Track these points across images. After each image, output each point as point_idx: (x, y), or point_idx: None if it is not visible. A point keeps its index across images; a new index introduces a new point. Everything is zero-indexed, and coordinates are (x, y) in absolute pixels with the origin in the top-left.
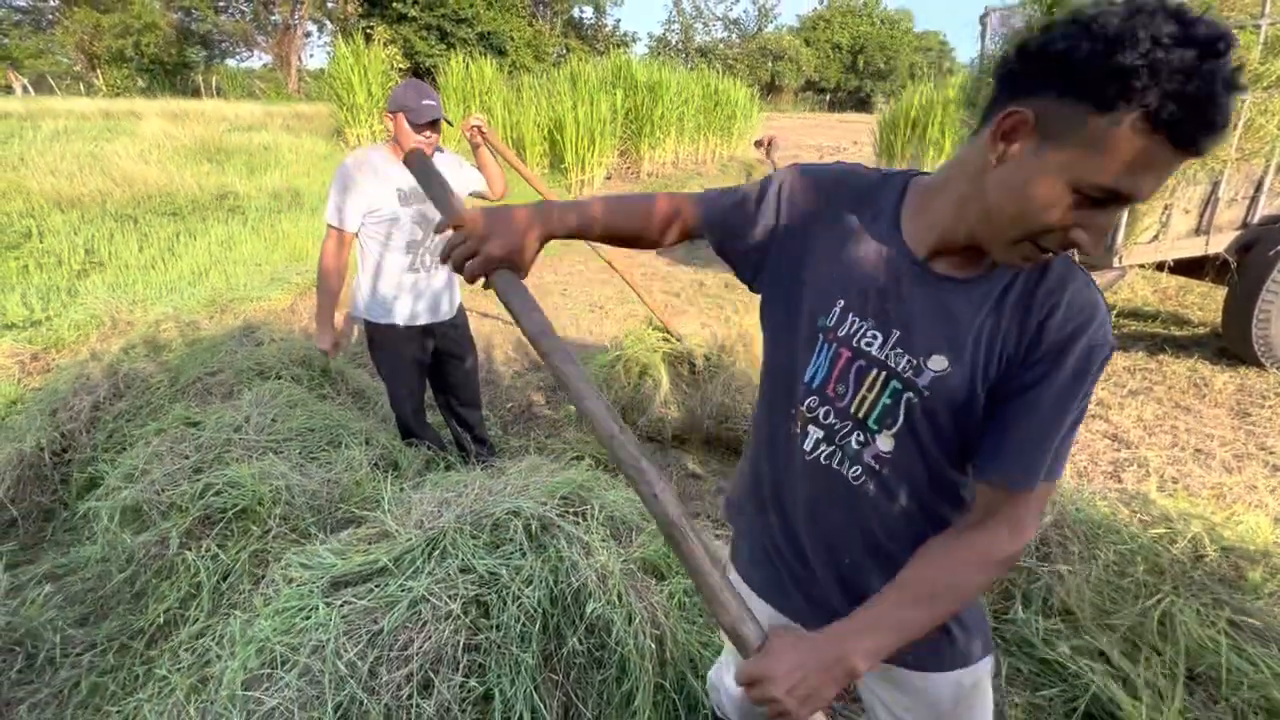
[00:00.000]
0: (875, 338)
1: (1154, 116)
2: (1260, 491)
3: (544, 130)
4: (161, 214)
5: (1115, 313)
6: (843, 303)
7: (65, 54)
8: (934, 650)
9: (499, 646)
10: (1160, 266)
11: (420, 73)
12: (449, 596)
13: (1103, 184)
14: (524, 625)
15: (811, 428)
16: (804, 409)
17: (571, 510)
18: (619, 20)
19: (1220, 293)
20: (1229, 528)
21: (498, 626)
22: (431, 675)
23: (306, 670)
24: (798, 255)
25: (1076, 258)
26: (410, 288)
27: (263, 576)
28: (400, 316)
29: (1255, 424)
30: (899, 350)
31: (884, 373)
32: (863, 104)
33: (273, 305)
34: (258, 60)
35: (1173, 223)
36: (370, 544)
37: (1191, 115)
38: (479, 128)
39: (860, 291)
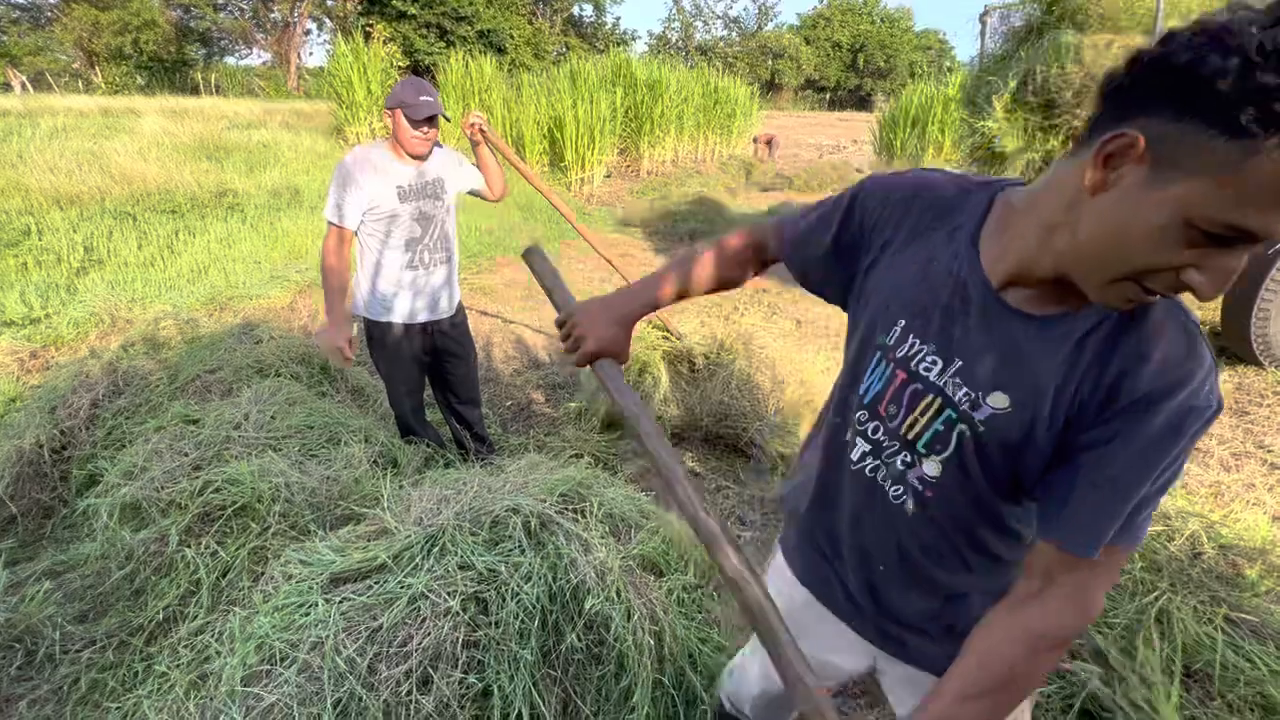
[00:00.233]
0: (935, 363)
1: None
2: (1258, 489)
3: (544, 128)
4: (160, 211)
5: None
6: (904, 323)
7: (64, 51)
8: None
9: (498, 643)
10: None
11: (419, 70)
12: (448, 593)
13: (1231, 221)
14: (523, 622)
15: (860, 440)
16: (855, 420)
17: (570, 507)
18: (619, 18)
19: None
20: (1227, 525)
21: (496, 623)
22: (430, 671)
23: (306, 666)
24: (866, 268)
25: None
26: (409, 285)
27: (262, 573)
28: (399, 314)
29: (1253, 422)
30: (958, 380)
31: (939, 399)
32: (863, 102)
33: (272, 303)
34: (257, 58)
35: None
36: (369, 541)
37: None
38: (479, 125)
39: (924, 313)
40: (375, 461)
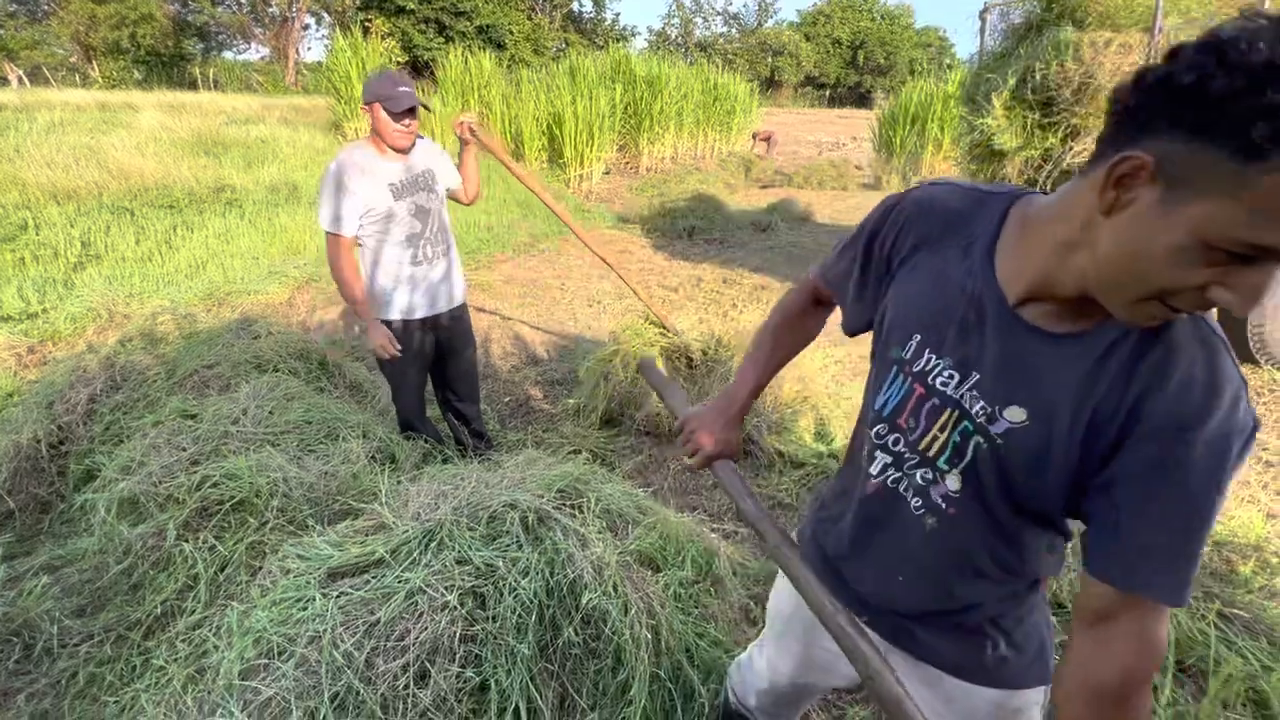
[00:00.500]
0: (952, 377)
1: None
2: (1253, 487)
3: (543, 125)
4: (158, 207)
5: None
6: (919, 337)
7: (61, 45)
8: (977, 661)
9: (495, 637)
10: None
11: (418, 66)
12: (446, 588)
13: (1249, 240)
14: (520, 616)
15: (879, 453)
16: (873, 433)
17: (568, 503)
18: (618, 14)
19: None
20: (1221, 522)
21: (494, 618)
22: (428, 665)
23: (303, 660)
24: (886, 285)
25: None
26: (414, 281)
27: (260, 568)
28: (406, 311)
29: None
30: (975, 393)
31: (956, 411)
32: (862, 99)
33: (270, 298)
34: (255, 53)
35: None
36: (367, 536)
37: None
38: (469, 125)
39: (939, 327)
40: (373, 457)
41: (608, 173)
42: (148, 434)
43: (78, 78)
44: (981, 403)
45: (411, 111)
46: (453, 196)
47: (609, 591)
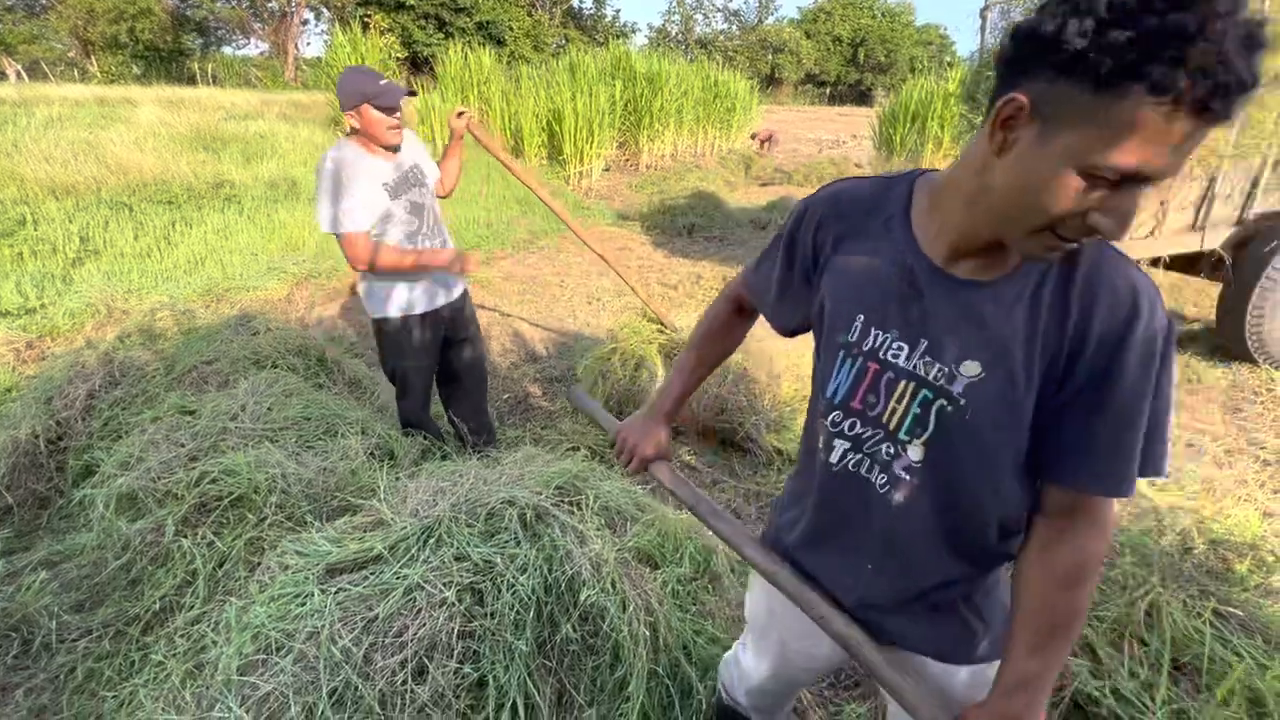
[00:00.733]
0: (901, 349)
1: (1159, 88)
2: (1250, 486)
3: (542, 121)
4: (157, 202)
5: None
6: (863, 317)
7: (59, 40)
8: (953, 642)
9: (493, 633)
10: (1155, 262)
11: (418, 62)
12: (444, 584)
13: (1115, 165)
14: (518, 613)
15: (837, 440)
16: (827, 423)
17: (566, 500)
18: (619, 11)
19: (1215, 289)
20: (1218, 521)
21: (492, 614)
22: (426, 661)
23: (302, 656)
24: (818, 279)
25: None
26: (421, 276)
27: (258, 564)
28: (401, 308)
29: (1246, 419)
30: (928, 359)
31: (913, 383)
32: (863, 97)
33: (269, 295)
34: (254, 48)
35: (1169, 219)
36: (366, 532)
37: (1203, 81)
38: (469, 117)
39: (879, 303)
40: (372, 453)
41: (607, 170)
42: (146, 430)
43: (76, 72)
44: (937, 366)
45: (398, 105)
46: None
47: (607, 588)
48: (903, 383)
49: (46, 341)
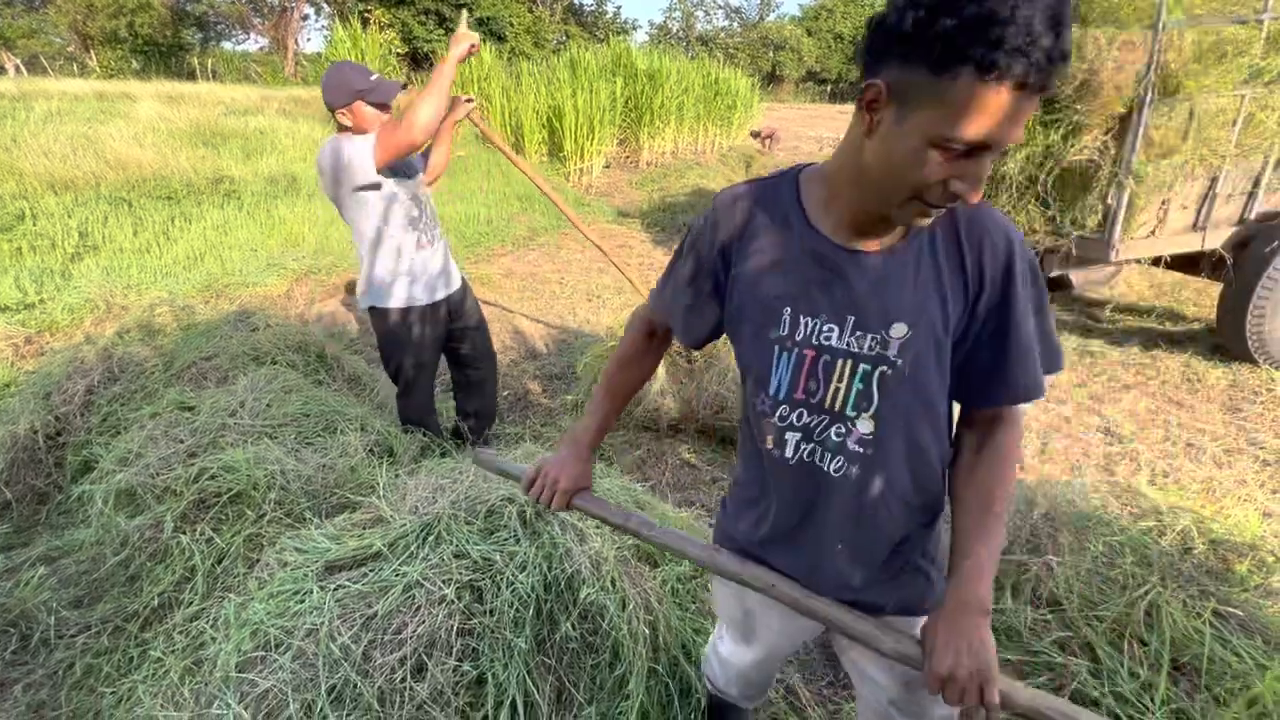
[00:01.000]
0: (832, 329)
1: (982, 66)
2: (1250, 486)
3: (543, 118)
4: (156, 198)
5: (1110, 308)
6: (789, 309)
7: (58, 34)
8: (918, 596)
9: (492, 631)
10: (1156, 262)
11: (418, 57)
12: (443, 581)
13: (959, 137)
14: (517, 610)
15: (789, 434)
16: (775, 419)
17: None
18: (619, 7)
19: (1215, 289)
20: (1218, 521)
21: (491, 611)
22: (425, 659)
23: (301, 653)
24: (729, 287)
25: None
26: (423, 265)
27: (257, 560)
28: (402, 300)
29: (1246, 419)
30: (859, 333)
31: (850, 360)
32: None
33: (268, 291)
34: (254, 43)
35: (1170, 218)
36: (365, 529)
37: (1017, 59)
38: (473, 101)
39: (802, 292)
40: (371, 450)
41: (608, 167)
42: (145, 426)
43: (75, 67)
44: (869, 336)
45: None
46: None
47: (607, 586)
48: (839, 362)
49: (45, 337)
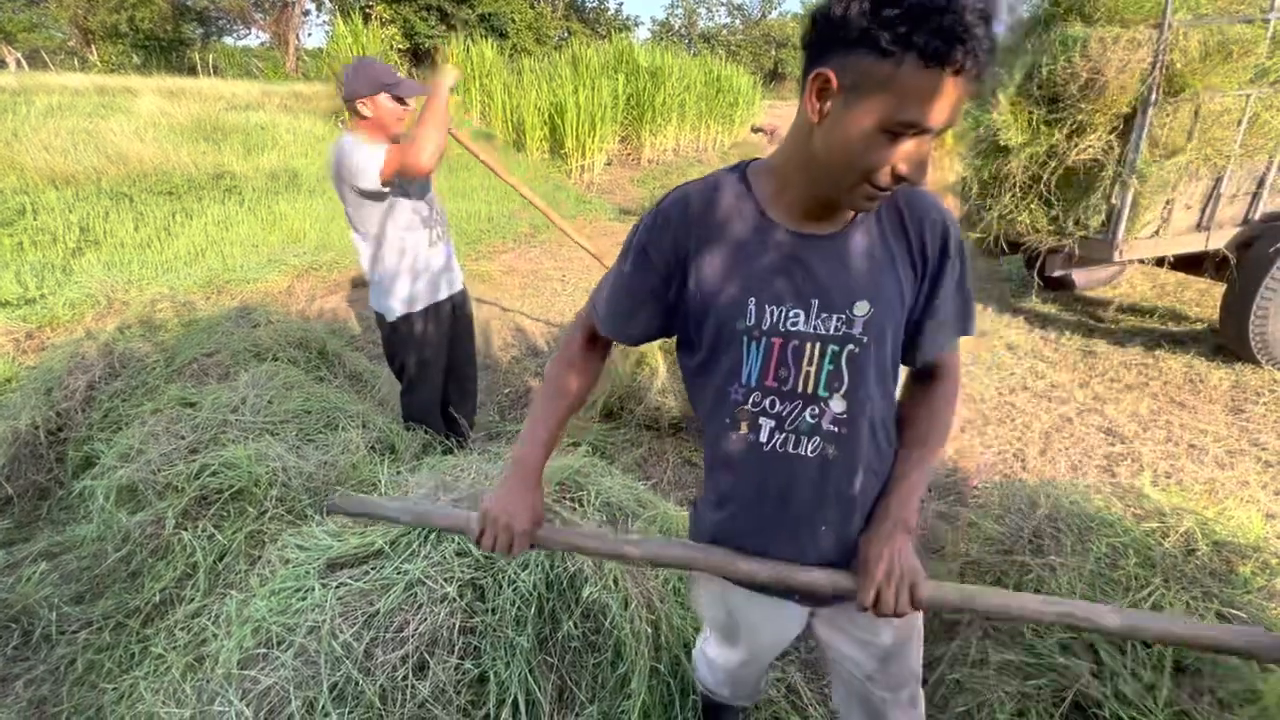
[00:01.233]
0: (798, 314)
1: (925, 53)
2: (1252, 487)
3: (544, 115)
4: (157, 193)
5: (1113, 308)
6: (754, 299)
7: (59, 28)
8: None
9: (494, 629)
10: (1160, 262)
11: (419, 54)
12: (445, 579)
13: (903, 120)
14: (519, 609)
15: (762, 419)
16: (749, 406)
17: (568, 496)
18: (621, 4)
19: (1218, 289)
20: (1221, 523)
21: (493, 610)
22: (427, 657)
23: (302, 650)
24: (679, 288)
25: None
26: (436, 264)
27: (259, 557)
28: (410, 301)
29: (1249, 420)
30: (825, 315)
31: (817, 343)
32: None
33: (269, 287)
34: (255, 38)
35: (1174, 218)
36: (366, 526)
37: (955, 46)
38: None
39: (764, 282)
40: (373, 447)
41: (609, 164)
42: (146, 422)
43: (76, 61)
44: (834, 317)
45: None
46: None
47: (609, 585)
48: (808, 345)
49: (46, 332)
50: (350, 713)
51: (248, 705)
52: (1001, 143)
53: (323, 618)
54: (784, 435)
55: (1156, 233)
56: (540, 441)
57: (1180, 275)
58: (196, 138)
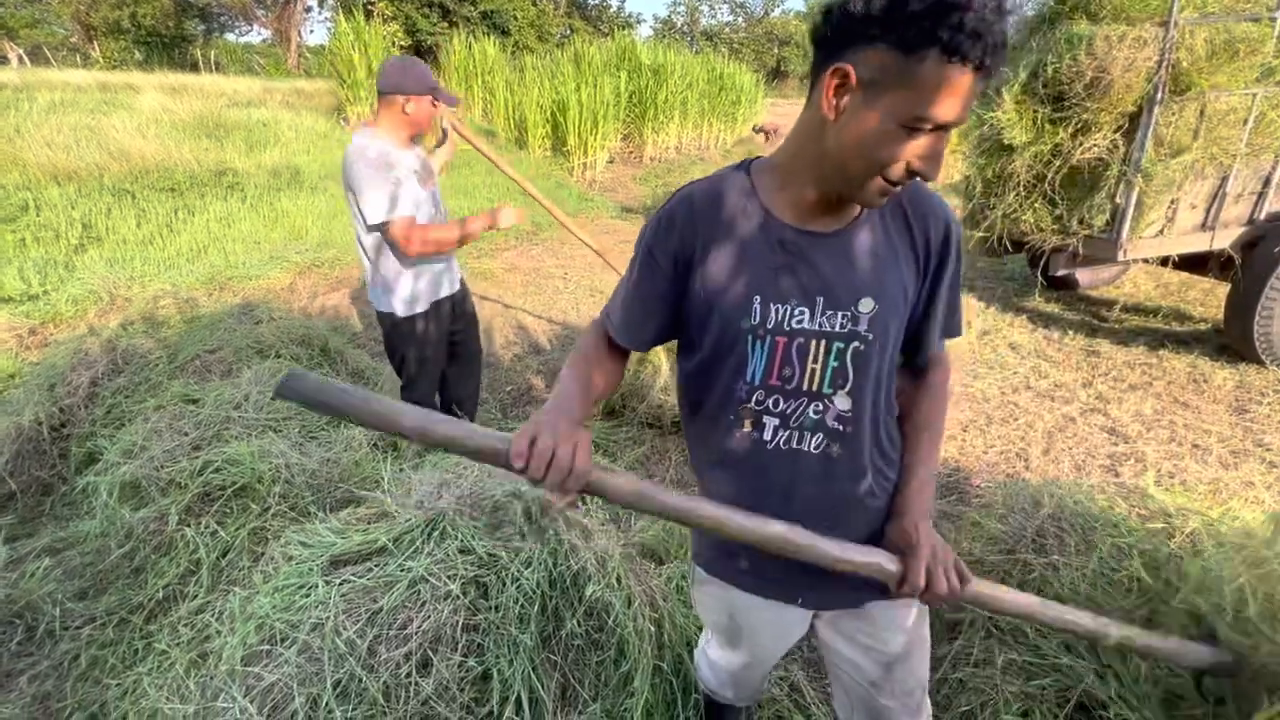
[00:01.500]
0: (803, 313)
1: (947, 48)
2: (1257, 488)
3: (546, 112)
4: (159, 189)
5: (1117, 307)
6: (759, 297)
7: (61, 25)
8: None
9: (497, 627)
10: (1164, 262)
11: (421, 51)
12: (448, 577)
13: (924, 115)
14: (523, 607)
15: (766, 418)
16: (752, 404)
17: None
18: (624, 1)
19: (1222, 289)
20: (1225, 524)
21: (496, 607)
22: (430, 654)
23: (306, 647)
24: (695, 284)
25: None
26: (438, 264)
27: (262, 554)
28: (411, 300)
29: (1253, 420)
30: (830, 312)
31: (823, 340)
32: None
33: (271, 284)
34: (257, 35)
35: (1178, 218)
36: (369, 523)
37: (976, 42)
38: (454, 122)
39: (769, 280)
40: (375, 444)
41: (611, 162)
42: (149, 418)
43: (78, 58)
44: (839, 314)
45: None
46: None
47: (612, 584)
48: (813, 343)
49: (49, 328)
50: (354, 709)
51: (251, 701)
52: (1006, 141)
53: (326, 614)
54: (788, 432)
55: (1161, 232)
56: (575, 395)
57: (1184, 275)
58: (198, 134)
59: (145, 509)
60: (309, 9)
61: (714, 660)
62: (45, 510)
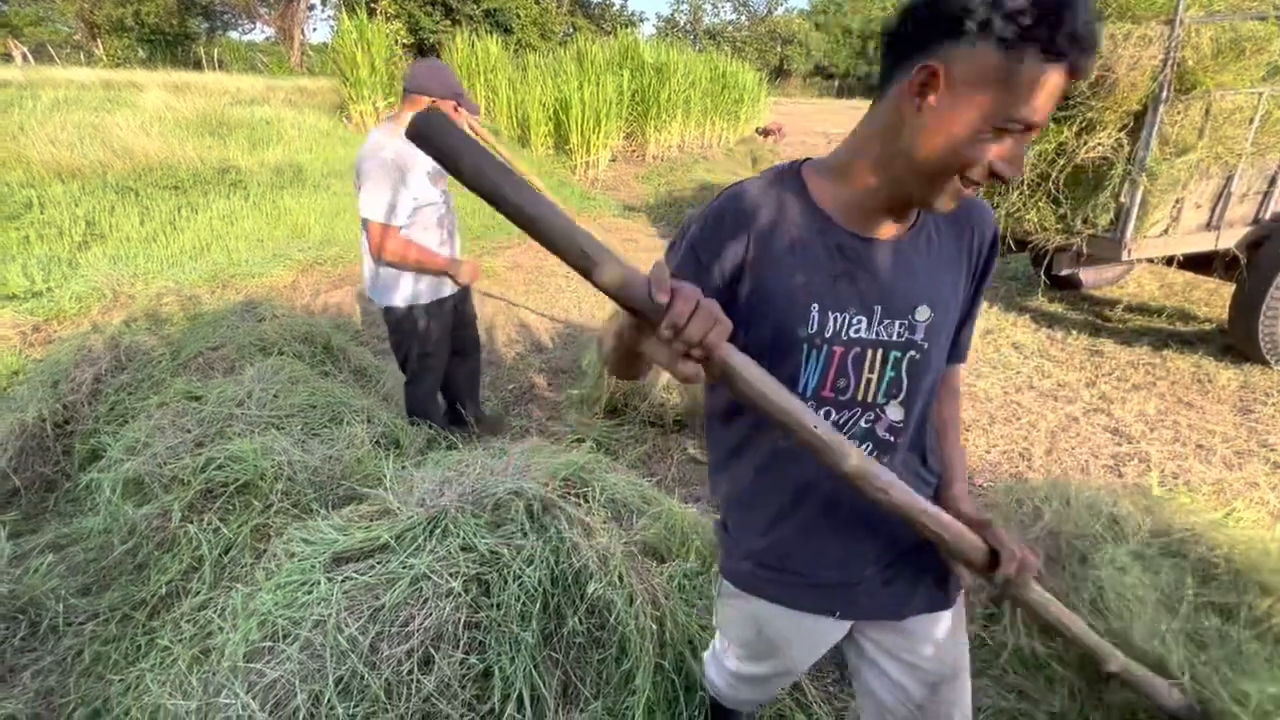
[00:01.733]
0: (860, 321)
1: (1049, 49)
2: (1261, 488)
3: (549, 110)
4: (162, 187)
5: (1120, 307)
6: (816, 306)
7: (65, 22)
8: (942, 591)
9: (499, 625)
10: (1168, 261)
11: (424, 49)
12: (450, 574)
13: (1013, 116)
14: (524, 604)
15: None
16: None
17: (573, 492)
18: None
19: (1227, 289)
20: (1228, 525)
21: (498, 605)
22: (432, 651)
23: (308, 644)
24: (744, 289)
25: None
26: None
27: (264, 551)
28: (413, 297)
29: (1258, 421)
30: (887, 321)
31: (880, 349)
32: (871, 90)
33: (274, 281)
34: (260, 33)
35: (1183, 217)
36: (372, 521)
37: (1076, 43)
38: (475, 126)
39: (827, 287)
40: (377, 442)
41: (614, 160)
42: (153, 415)
43: (82, 55)
44: (897, 323)
45: None
46: None
47: (614, 581)
48: (870, 353)
49: (53, 325)
50: (355, 706)
51: (254, 698)
52: None
53: (328, 611)
54: None
55: (1165, 231)
56: None
57: (1188, 275)
58: (201, 132)
59: (148, 505)
60: (312, 7)
61: (732, 670)
62: (49, 506)
